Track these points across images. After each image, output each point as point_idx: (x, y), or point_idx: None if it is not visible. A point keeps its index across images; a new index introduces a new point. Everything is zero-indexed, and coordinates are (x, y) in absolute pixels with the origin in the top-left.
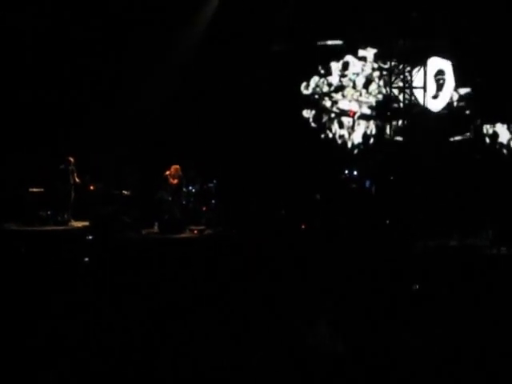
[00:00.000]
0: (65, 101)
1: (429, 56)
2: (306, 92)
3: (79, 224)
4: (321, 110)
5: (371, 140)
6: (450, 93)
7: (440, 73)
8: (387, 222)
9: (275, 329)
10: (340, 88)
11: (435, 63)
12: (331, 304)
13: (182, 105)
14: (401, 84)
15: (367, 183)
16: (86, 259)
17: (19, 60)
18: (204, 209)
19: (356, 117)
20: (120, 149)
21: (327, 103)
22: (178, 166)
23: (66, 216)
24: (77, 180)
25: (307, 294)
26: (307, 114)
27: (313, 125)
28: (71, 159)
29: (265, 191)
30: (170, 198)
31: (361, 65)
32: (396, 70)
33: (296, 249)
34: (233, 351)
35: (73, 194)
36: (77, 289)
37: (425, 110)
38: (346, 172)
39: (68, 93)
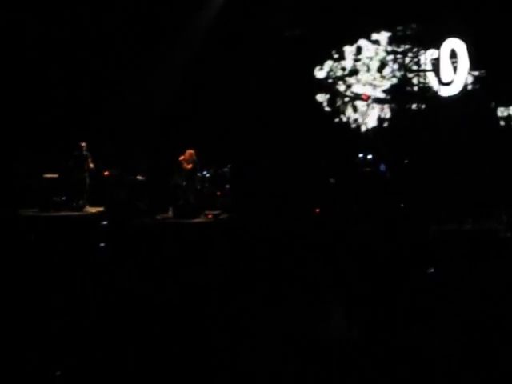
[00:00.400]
0: (78, 89)
1: (443, 39)
2: (319, 76)
3: (94, 210)
4: (335, 94)
5: (385, 124)
6: (464, 77)
7: (454, 55)
8: (401, 205)
9: (287, 317)
10: (354, 72)
11: (450, 45)
12: (345, 290)
13: (196, 90)
14: (415, 67)
15: (382, 167)
16: (102, 244)
17: (33, 52)
18: (218, 194)
19: (370, 100)
20: (134, 134)
21: (341, 87)
22: (192, 151)
23: (81, 202)
24: (91, 166)
25: (321, 281)
26: (321, 98)
27: (327, 109)
28: (83, 144)
29: (279, 176)
30: (184, 183)
31: (374, 48)
32: (410, 54)
33: (310, 234)
34: (244, 339)
35: (88, 180)
36: (92, 274)
37: (438, 95)
38: (361, 156)
39: (81, 82)
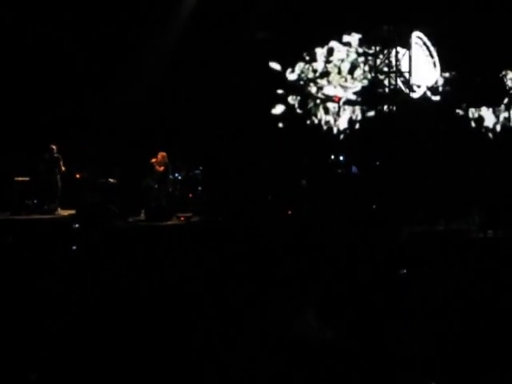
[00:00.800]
0: (48, 92)
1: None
2: (291, 78)
3: (66, 213)
4: (306, 96)
5: (357, 125)
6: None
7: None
8: (373, 206)
9: (262, 317)
10: (325, 74)
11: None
12: (318, 292)
13: (167, 93)
14: (386, 69)
15: (353, 169)
16: (74, 247)
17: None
18: (190, 196)
19: (341, 102)
20: (105, 137)
21: (313, 89)
22: (164, 153)
23: (52, 205)
24: (63, 168)
25: (294, 282)
26: (293, 100)
27: (298, 111)
28: (54, 147)
29: (251, 177)
30: (156, 186)
31: (345, 50)
32: (381, 55)
33: (282, 235)
34: (221, 340)
35: (59, 183)
36: (65, 277)
37: (408, 97)
38: (332, 157)
39: (51, 85)
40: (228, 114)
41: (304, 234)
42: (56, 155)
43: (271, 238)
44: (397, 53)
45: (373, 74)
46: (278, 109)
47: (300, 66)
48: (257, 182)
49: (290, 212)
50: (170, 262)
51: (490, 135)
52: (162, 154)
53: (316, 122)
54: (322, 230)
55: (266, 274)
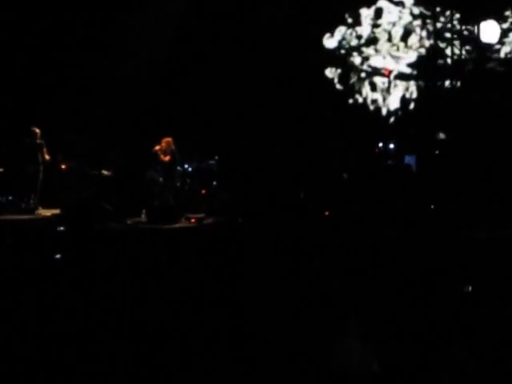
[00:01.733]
0: (30, 65)
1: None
2: (329, 46)
3: (48, 212)
4: (348, 69)
5: (411, 105)
6: None
7: None
8: (432, 207)
9: (290, 340)
10: (372, 41)
11: None
12: (360, 312)
13: (175, 68)
14: (448, 35)
15: (407, 159)
16: (58, 256)
17: None
18: (203, 192)
19: (392, 76)
20: (99, 120)
21: (356, 60)
22: (170, 139)
23: (31, 202)
24: (46, 157)
25: (330, 299)
26: (331, 73)
27: (338, 87)
28: (37, 131)
29: (279, 169)
30: (160, 179)
31: (397, 11)
32: (442, 18)
33: (319, 243)
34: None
35: (41, 175)
36: (46, 293)
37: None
38: (380, 145)
39: (34, 56)
40: (250, 91)
41: (346, 241)
42: (39, 141)
43: (305, 247)
44: (462, 14)
45: (431, 42)
46: (313, 84)
47: (341, 30)
48: (285, 176)
49: (327, 213)
50: (179, 276)
51: None
52: (166, 141)
53: (360, 100)
54: (368, 236)
55: (302, 293)
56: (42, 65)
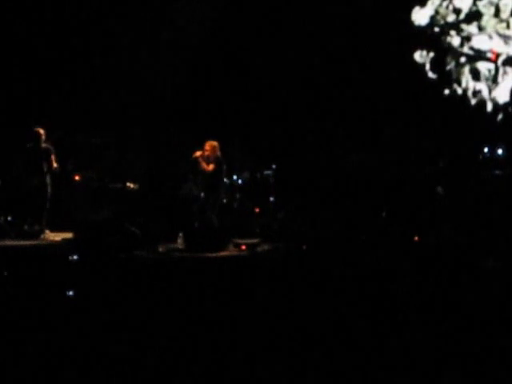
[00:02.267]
0: (39, 54)
1: None
2: (419, 22)
3: (57, 237)
4: (444, 51)
5: None
6: None
7: None
8: None
9: None
10: (474, 16)
11: None
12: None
13: (220, 55)
14: None
15: None
16: (71, 293)
17: None
18: (257, 211)
19: (500, 61)
20: (123, 120)
21: (454, 40)
22: (215, 143)
23: (36, 224)
24: (55, 166)
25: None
26: (421, 57)
27: (431, 74)
28: (42, 132)
29: (354, 182)
30: (202, 195)
31: None
32: None
33: (406, 274)
34: None
35: (49, 189)
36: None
37: None
38: (486, 150)
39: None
40: (316, 80)
41: (445, 275)
42: (44, 145)
43: (391, 284)
44: None
45: None
46: (398, 71)
47: (434, 2)
48: (362, 190)
49: (416, 238)
50: (227, 324)
51: None
52: (211, 144)
53: (459, 92)
54: (474, 269)
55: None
56: (51, 49)
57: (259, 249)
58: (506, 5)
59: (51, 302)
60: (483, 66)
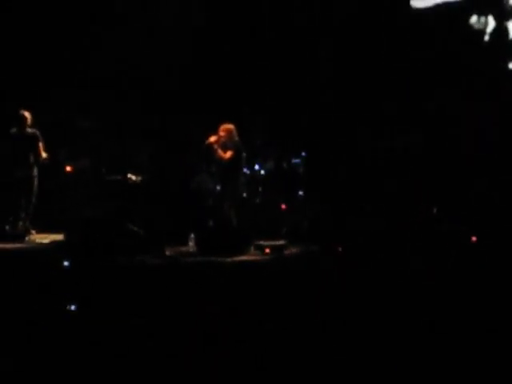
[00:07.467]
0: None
1: None
2: None
3: (45, 238)
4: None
5: None
6: None
7: None
8: None
9: None
10: None
11: None
12: None
13: (236, 28)
14: None
15: None
16: (73, 308)
17: None
18: (283, 207)
19: None
20: (123, 102)
21: None
22: (232, 127)
23: (20, 223)
24: (43, 155)
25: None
26: (479, 23)
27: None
28: (27, 116)
29: (399, 173)
30: (218, 187)
31: None
32: None
33: (460, 279)
34: None
35: (35, 183)
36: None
37: None
38: None
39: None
40: (354, 62)
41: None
42: (31, 130)
43: (442, 291)
44: None
45: None
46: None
47: None
48: (410, 183)
49: (474, 239)
50: (248, 339)
51: None
52: (227, 128)
53: None
54: None
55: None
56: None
57: (286, 252)
58: None
59: (37, 320)
60: None
